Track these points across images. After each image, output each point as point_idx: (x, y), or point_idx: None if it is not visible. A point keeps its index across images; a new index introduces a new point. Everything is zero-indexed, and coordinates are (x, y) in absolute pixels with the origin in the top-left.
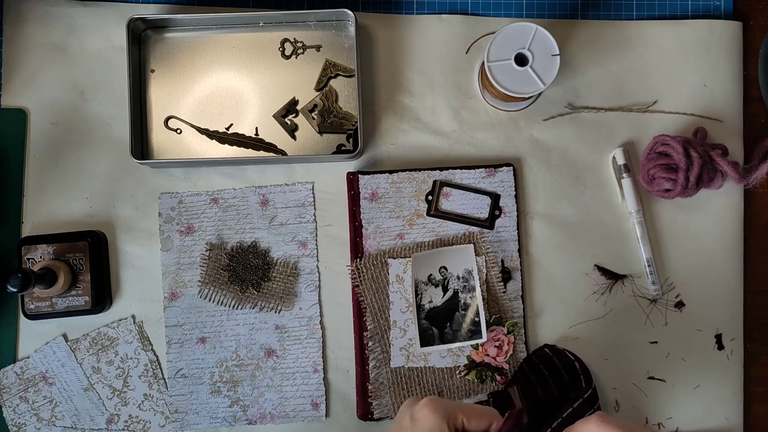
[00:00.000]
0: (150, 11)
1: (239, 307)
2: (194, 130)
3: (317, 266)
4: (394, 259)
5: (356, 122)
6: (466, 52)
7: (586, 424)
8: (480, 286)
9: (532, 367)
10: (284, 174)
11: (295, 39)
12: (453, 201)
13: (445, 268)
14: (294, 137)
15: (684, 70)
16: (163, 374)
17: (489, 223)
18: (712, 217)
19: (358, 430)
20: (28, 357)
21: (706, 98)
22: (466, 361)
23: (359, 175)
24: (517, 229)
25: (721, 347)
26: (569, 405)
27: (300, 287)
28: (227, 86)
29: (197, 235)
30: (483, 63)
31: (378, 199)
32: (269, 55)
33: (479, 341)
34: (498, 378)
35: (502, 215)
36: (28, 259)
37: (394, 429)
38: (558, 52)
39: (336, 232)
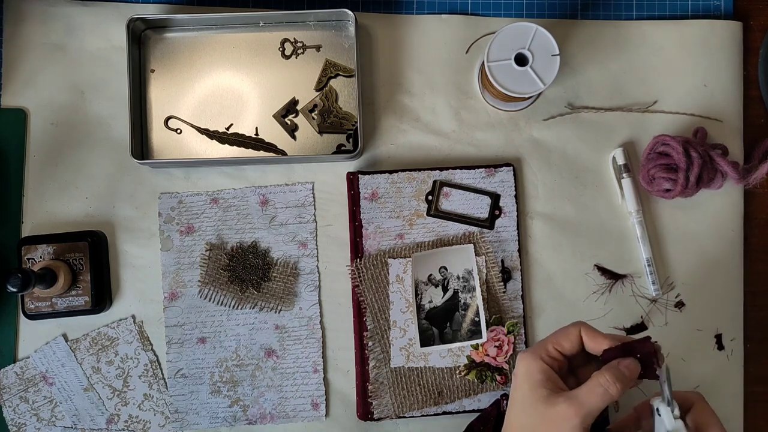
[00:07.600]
0: (150, 11)
1: (239, 307)
2: (194, 130)
3: (317, 266)
4: (394, 259)
5: (356, 122)
6: (466, 52)
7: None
8: (480, 286)
9: None
10: (284, 174)
11: (295, 39)
12: (453, 201)
13: (445, 268)
14: (294, 137)
15: (684, 70)
16: (163, 374)
17: (489, 223)
18: (712, 217)
19: (358, 430)
20: (28, 357)
21: (706, 98)
22: (466, 361)
23: (359, 175)
24: (517, 229)
25: (721, 347)
26: None
27: (300, 287)
28: (227, 86)
29: (197, 235)
30: (483, 63)
31: (378, 199)
32: (269, 55)
33: (479, 341)
34: (498, 378)
35: (502, 215)
36: (28, 259)
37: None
38: (558, 52)
39: (336, 232)
